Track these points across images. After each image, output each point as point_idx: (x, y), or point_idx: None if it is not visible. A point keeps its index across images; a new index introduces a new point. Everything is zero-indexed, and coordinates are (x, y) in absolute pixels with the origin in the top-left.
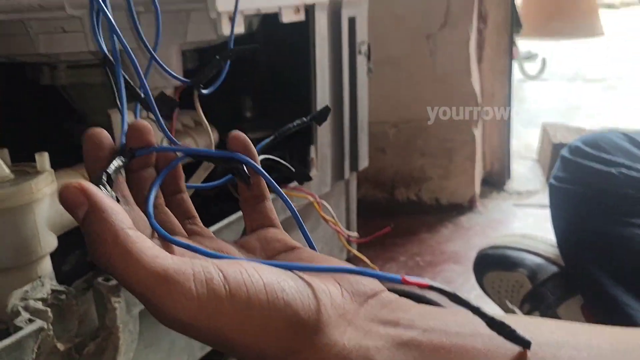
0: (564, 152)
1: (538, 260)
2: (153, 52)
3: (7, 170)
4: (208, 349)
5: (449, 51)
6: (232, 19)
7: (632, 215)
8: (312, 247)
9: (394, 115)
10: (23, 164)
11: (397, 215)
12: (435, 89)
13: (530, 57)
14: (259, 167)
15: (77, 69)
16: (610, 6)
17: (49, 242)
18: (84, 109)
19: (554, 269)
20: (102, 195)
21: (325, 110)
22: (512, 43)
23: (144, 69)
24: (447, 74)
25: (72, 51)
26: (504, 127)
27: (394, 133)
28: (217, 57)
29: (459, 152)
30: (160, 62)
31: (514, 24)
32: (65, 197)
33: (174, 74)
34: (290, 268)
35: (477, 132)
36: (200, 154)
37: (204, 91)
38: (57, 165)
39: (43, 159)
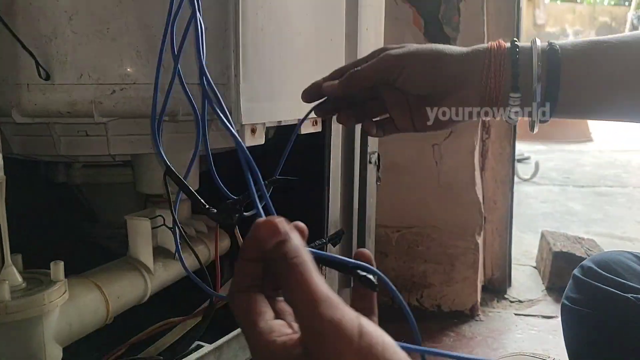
0: (577, 272)
1: None
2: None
3: (19, 279)
4: None
5: (454, 160)
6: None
7: None
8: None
9: (397, 220)
10: (35, 271)
11: (399, 321)
12: (440, 196)
13: (524, 159)
14: (390, 283)
15: (92, 168)
16: None
17: (54, 355)
18: (96, 208)
19: None
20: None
21: (340, 232)
22: (514, 152)
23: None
24: (451, 182)
25: (92, 154)
26: (505, 234)
27: (397, 238)
28: (265, 182)
29: (462, 259)
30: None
31: (515, 133)
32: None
33: (225, 190)
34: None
35: (480, 240)
36: (336, 261)
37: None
38: (67, 262)
39: (58, 269)
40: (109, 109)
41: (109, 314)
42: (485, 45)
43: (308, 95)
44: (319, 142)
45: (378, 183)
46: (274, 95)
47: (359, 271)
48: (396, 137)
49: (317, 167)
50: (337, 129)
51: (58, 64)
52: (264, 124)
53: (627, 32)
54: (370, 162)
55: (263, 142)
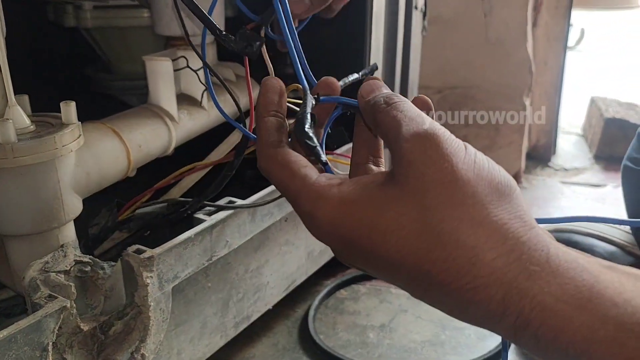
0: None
1: (611, 248)
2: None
3: (27, 121)
4: (242, 327)
5: (505, 13)
6: None
7: None
8: None
9: (439, 80)
10: (46, 114)
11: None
12: (487, 53)
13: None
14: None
15: (104, 10)
16: None
17: (74, 206)
18: (110, 56)
19: (630, 259)
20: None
21: (374, 67)
22: (570, 7)
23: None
24: (500, 38)
25: None
26: (555, 98)
27: (438, 99)
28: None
29: (507, 122)
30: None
31: None
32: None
33: (246, 9)
34: None
35: (527, 102)
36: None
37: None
38: (81, 116)
39: (69, 110)
40: None
41: (131, 164)
42: None
43: None
44: None
45: (424, 33)
46: None
47: None
48: None
49: (360, 10)
50: None
51: None
52: None
53: None
54: (416, 8)
55: None
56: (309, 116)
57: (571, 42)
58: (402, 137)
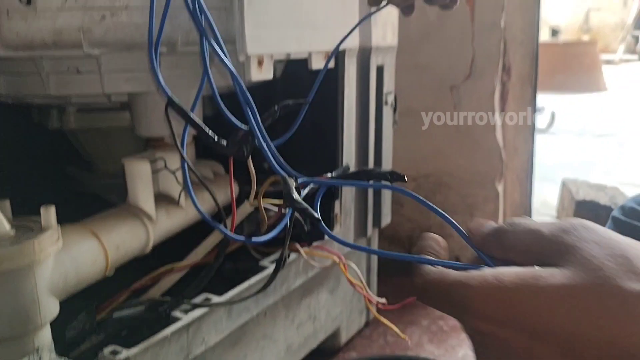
0: (616, 213)
1: None
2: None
3: (7, 227)
4: None
5: (473, 103)
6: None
7: None
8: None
9: (413, 169)
10: (25, 217)
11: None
12: (458, 142)
13: (538, 110)
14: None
15: (87, 113)
16: (609, 62)
17: (50, 309)
18: (92, 155)
19: None
20: None
21: (346, 168)
22: (535, 95)
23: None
24: (470, 127)
25: (85, 93)
26: (526, 182)
27: (413, 187)
28: (276, 107)
29: (481, 208)
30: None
31: (537, 75)
32: None
33: (234, 120)
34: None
35: (500, 188)
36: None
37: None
38: (61, 215)
39: (49, 214)
40: (100, 37)
41: (109, 265)
42: None
43: None
44: (332, 80)
45: (394, 127)
46: (282, 23)
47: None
48: (412, 81)
49: (331, 107)
50: (351, 66)
51: None
52: (272, 56)
53: None
54: (386, 103)
55: (271, 77)
56: (294, 189)
57: (543, 125)
58: (553, 234)
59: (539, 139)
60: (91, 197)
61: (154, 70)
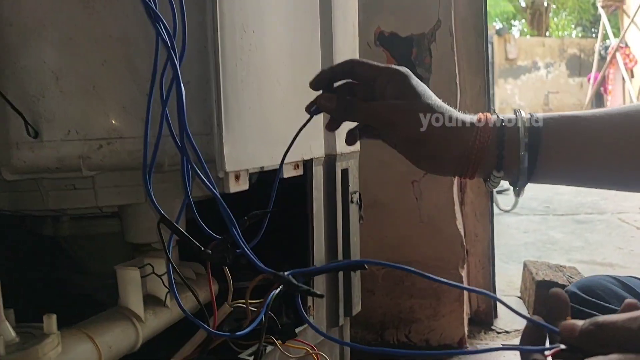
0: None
1: None
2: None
3: (13, 334)
4: None
5: (434, 196)
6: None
7: None
8: None
9: (382, 257)
10: (28, 325)
11: (389, 358)
12: (422, 231)
13: (503, 191)
14: None
15: (79, 220)
16: None
17: None
18: (84, 259)
19: None
20: None
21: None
22: None
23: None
24: (432, 218)
25: (80, 206)
26: (488, 266)
27: (382, 275)
28: (245, 218)
29: (447, 293)
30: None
31: None
32: None
33: (210, 232)
34: None
35: (464, 273)
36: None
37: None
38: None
39: (51, 322)
40: (97, 163)
41: None
42: (473, 118)
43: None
44: (301, 185)
45: (361, 222)
46: (255, 142)
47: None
48: (376, 176)
49: (300, 209)
50: (318, 172)
51: (46, 122)
52: (247, 170)
53: (601, 109)
54: (352, 202)
55: (247, 187)
56: (291, 277)
57: (508, 206)
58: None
59: (504, 219)
60: (84, 297)
61: (149, 195)
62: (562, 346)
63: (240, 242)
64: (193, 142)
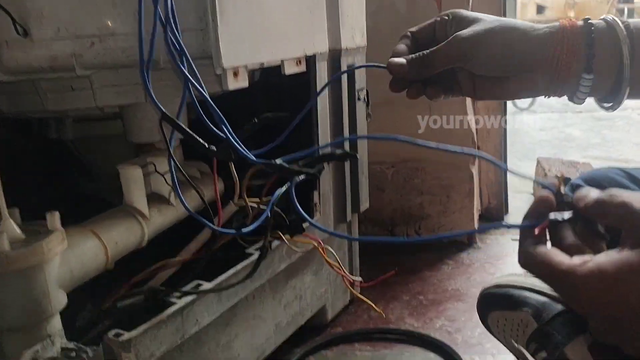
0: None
1: (542, 299)
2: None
3: (18, 231)
4: None
5: None
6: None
7: None
8: None
9: (392, 156)
10: (33, 222)
11: (398, 253)
12: (433, 129)
13: None
14: None
15: (83, 123)
16: None
17: (59, 300)
18: (90, 162)
19: (559, 307)
20: None
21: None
22: None
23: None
24: (443, 112)
25: (80, 107)
26: (500, 163)
27: (392, 173)
28: (256, 120)
29: (457, 189)
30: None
31: None
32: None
33: (215, 129)
34: None
35: (474, 170)
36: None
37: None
38: (66, 215)
39: (54, 219)
40: (90, 61)
41: (109, 259)
42: (556, 24)
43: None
44: (305, 81)
45: (368, 120)
46: (254, 37)
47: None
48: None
49: (305, 105)
50: (322, 68)
51: (34, 20)
52: (246, 66)
53: None
54: (359, 99)
55: (247, 84)
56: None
57: (525, 104)
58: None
59: (520, 118)
60: (90, 198)
61: (147, 90)
62: (553, 216)
63: (227, 132)
64: (179, 37)
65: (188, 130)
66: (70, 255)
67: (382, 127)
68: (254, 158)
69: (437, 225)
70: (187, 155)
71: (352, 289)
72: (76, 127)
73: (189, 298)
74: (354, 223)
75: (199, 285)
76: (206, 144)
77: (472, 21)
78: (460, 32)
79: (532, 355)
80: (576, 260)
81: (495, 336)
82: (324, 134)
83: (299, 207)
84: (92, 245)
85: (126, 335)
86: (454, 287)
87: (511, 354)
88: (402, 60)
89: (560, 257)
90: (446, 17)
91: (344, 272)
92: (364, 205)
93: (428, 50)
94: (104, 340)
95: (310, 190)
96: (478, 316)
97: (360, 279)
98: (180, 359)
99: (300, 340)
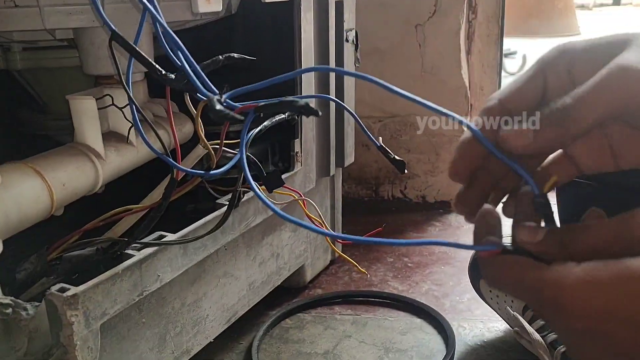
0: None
1: None
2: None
3: None
4: (186, 358)
5: (439, 42)
6: None
7: None
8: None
9: (379, 110)
10: None
11: (382, 214)
12: (424, 81)
13: (510, 54)
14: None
15: (33, 52)
16: (583, 7)
17: None
18: (42, 96)
19: None
20: None
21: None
22: (502, 35)
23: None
24: (435, 66)
25: (25, 29)
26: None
27: (379, 128)
28: (220, 57)
29: (447, 147)
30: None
31: (504, 16)
32: None
33: (173, 57)
34: None
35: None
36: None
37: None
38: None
39: None
40: None
41: (55, 203)
42: None
43: (462, 175)
44: (288, 15)
45: (357, 65)
46: None
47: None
48: (377, 20)
49: (287, 43)
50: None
51: None
52: None
53: None
54: (347, 40)
55: (220, 8)
56: (217, 101)
57: (514, 68)
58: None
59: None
60: (45, 139)
61: (94, 3)
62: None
63: (182, 59)
64: None
65: (140, 52)
66: (5, 195)
67: None
68: (205, 91)
69: (424, 186)
70: (155, 94)
71: (333, 246)
72: (25, 56)
73: (149, 250)
74: (338, 178)
75: (162, 236)
76: (162, 70)
77: (620, 47)
78: (621, 59)
79: (529, 323)
80: (557, 268)
81: (487, 302)
82: (308, 78)
83: (246, 164)
84: (33, 184)
85: (72, 290)
86: (441, 250)
87: (503, 320)
88: (526, 137)
89: (536, 264)
90: (562, 59)
91: (327, 228)
92: (349, 159)
93: (568, 98)
94: (46, 296)
95: (291, 138)
96: (469, 280)
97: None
98: (138, 319)
99: (277, 302)
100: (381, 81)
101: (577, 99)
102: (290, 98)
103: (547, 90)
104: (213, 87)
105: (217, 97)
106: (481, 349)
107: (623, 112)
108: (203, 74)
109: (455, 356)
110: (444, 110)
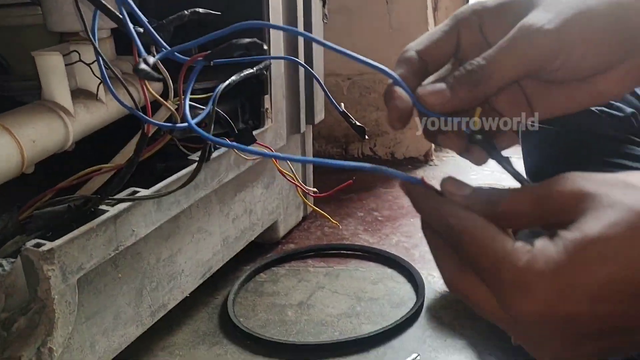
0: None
1: None
2: None
3: None
4: (158, 315)
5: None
6: None
7: (612, 156)
8: None
9: (347, 68)
10: None
11: (352, 171)
12: (391, 39)
13: None
14: None
15: None
16: None
17: None
18: (6, 56)
19: None
20: None
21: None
22: None
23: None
24: (403, 23)
25: None
26: None
27: (348, 86)
28: (186, 12)
29: None
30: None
31: None
32: None
33: (141, 16)
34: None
35: None
36: None
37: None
38: None
39: None
40: None
41: (25, 161)
42: None
43: (399, 120)
44: None
45: (325, 21)
46: None
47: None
48: None
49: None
50: None
51: None
52: None
53: None
54: None
55: None
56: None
57: None
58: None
59: None
60: (8, 100)
61: None
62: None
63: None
64: None
65: (107, 4)
66: None
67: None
68: (163, 43)
69: (393, 143)
70: (122, 51)
71: (306, 200)
72: None
73: (123, 205)
74: (309, 135)
75: (135, 192)
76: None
77: (526, 8)
78: (528, 21)
79: None
80: (521, 247)
81: None
82: (276, 35)
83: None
84: (3, 142)
85: (48, 245)
86: (409, 204)
87: None
88: (439, 85)
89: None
90: (474, 17)
91: (299, 183)
92: (319, 116)
93: (481, 59)
94: (22, 252)
95: (261, 95)
96: None
97: (315, 189)
98: (115, 274)
99: (251, 257)
100: (317, 37)
101: (489, 61)
102: (236, 40)
103: (460, 45)
104: (163, 42)
105: (145, 56)
106: (449, 295)
107: (532, 70)
108: (151, 29)
109: (425, 302)
110: (376, 64)
